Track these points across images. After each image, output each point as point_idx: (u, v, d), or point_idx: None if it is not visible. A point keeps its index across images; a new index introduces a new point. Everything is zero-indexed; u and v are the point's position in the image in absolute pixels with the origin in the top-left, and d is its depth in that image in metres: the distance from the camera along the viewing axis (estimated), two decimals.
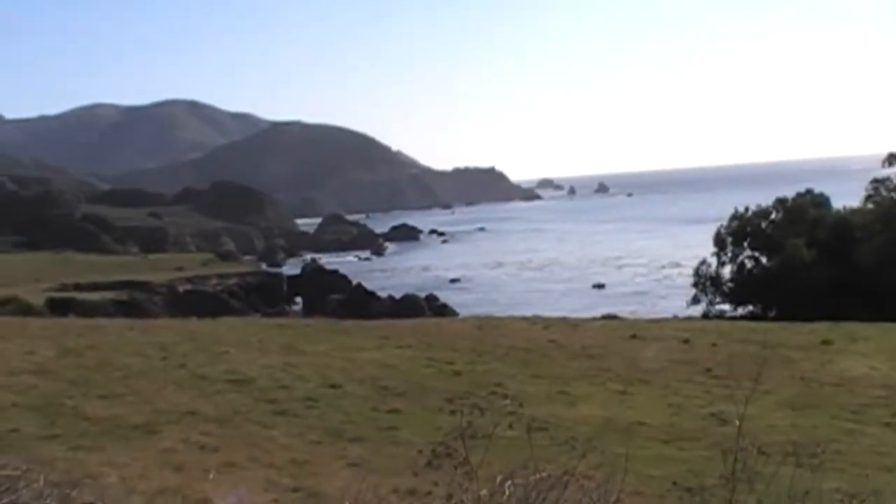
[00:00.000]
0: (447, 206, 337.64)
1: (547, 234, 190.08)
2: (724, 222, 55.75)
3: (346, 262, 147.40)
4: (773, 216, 54.70)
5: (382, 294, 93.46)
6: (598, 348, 26.66)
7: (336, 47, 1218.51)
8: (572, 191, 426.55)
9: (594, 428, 16.23)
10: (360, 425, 16.89)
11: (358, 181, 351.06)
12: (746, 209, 55.62)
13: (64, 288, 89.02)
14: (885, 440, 15.99)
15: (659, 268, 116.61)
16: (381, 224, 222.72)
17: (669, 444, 15.78)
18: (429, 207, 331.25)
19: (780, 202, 55.21)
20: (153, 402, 17.82)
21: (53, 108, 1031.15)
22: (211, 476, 10.84)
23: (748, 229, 54.42)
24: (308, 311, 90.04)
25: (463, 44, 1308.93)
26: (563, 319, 36.72)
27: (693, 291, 54.61)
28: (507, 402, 8.77)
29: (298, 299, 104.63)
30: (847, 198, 58.33)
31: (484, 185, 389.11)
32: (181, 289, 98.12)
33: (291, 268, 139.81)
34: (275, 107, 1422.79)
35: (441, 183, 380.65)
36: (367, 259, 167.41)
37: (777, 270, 50.66)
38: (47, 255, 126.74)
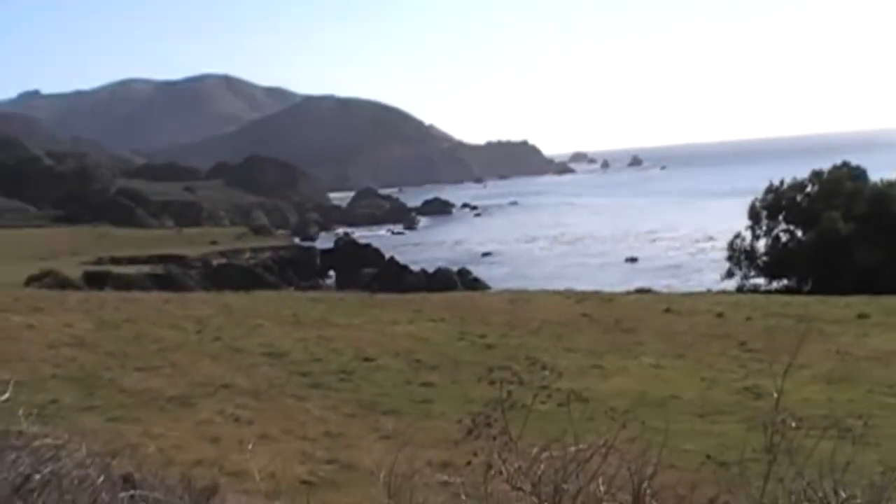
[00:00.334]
0: (479, 180, 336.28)
1: (580, 207, 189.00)
2: (759, 195, 55.24)
3: (378, 236, 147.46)
4: (808, 189, 54.08)
5: (415, 268, 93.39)
6: (632, 322, 26.59)
7: (369, 21, 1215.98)
8: (605, 164, 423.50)
9: (628, 401, 16.22)
10: (394, 398, 17.00)
11: (391, 155, 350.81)
12: (781, 182, 55.04)
13: (100, 262, 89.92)
14: None
15: (693, 241, 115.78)
16: (413, 198, 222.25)
17: (703, 418, 15.75)
18: (461, 181, 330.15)
19: (816, 175, 54.55)
20: (189, 374, 18.03)
21: (89, 83, 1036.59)
22: (249, 448, 10.96)
23: (783, 202, 53.89)
24: (341, 284, 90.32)
25: (497, 16, 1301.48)
26: (597, 293, 36.57)
27: (727, 265, 54.34)
28: (546, 373, 8.68)
29: (332, 273, 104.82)
30: (884, 170, 57.53)
31: (517, 159, 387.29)
32: (215, 262, 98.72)
33: (324, 242, 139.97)
34: (308, 81, 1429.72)
35: (474, 157, 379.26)
36: (399, 233, 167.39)
37: (813, 244, 50.17)
38: (84, 230, 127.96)
